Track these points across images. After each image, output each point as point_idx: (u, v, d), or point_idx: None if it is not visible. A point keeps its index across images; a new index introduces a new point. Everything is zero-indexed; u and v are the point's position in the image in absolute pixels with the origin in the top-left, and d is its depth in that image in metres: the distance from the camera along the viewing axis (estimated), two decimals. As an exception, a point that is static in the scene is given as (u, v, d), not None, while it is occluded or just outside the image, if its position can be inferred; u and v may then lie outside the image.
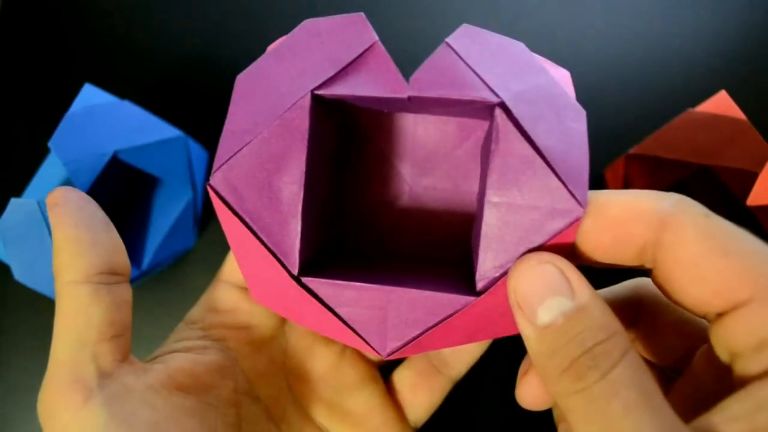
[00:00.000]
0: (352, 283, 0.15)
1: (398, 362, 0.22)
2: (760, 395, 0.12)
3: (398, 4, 0.34)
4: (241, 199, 0.14)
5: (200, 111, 0.34)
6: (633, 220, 0.13)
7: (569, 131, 0.14)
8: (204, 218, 0.33)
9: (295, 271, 0.14)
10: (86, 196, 0.17)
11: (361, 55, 0.15)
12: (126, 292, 0.17)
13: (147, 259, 0.28)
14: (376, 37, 0.15)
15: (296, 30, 0.15)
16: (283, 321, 0.20)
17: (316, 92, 0.14)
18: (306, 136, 0.14)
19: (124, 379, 0.15)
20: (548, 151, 0.14)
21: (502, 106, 0.14)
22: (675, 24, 0.33)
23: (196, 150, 0.31)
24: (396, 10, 0.34)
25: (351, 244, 0.19)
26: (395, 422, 0.20)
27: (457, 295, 0.14)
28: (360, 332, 0.15)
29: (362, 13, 0.15)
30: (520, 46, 0.15)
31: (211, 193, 0.15)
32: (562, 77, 0.15)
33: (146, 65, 0.34)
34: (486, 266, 0.14)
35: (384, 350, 0.15)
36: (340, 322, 0.15)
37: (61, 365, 0.15)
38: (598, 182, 0.32)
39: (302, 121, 0.14)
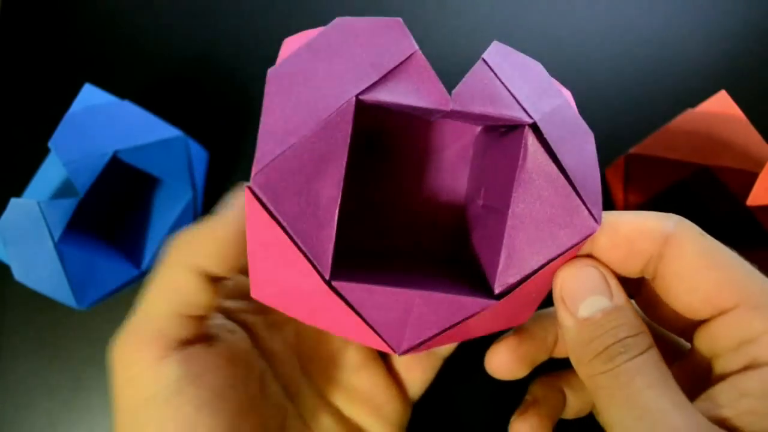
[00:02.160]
0: (382, 287, 0.15)
1: None
2: (741, 385, 0.14)
3: (399, 6, 0.34)
4: (279, 203, 0.14)
5: (200, 111, 0.34)
6: (642, 237, 0.15)
7: (584, 153, 0.16)
8: (204, 218, 0.33)
9: (328, 276, 0.15)
10: None
11: (403, 62, 0.15)
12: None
13: (147, 259, 0.28)
14: (416, 46, 0.15)
15: (330, 28, 0.15)
16: None
17: (361, 97, 0.14)
18: (348, 141, 0.14)
19: (198, 348, 0.17)
20: (570, 171, 0.15)
21: (534, 126, 0.15)
22: (675, 24, 0.33)
23: (196, 150, 0.31)
24: (395, 12, 0.34)
25: (351, 241, 0.20)
26: (396, 397, 0.22)
27: (478, 299, 0.15)
28: (380, 332, 0.15)
29: (400, 19, 0.15)
30: (539, 67, 0.16)
31: (248, 195, 0.14)
32: (568, 97, 0.16)
33: (146, 65, 0.34)
34: (505, 273, 0.15)
35: (399, 349, 0.15)
36: (357, 323, 0.15)
37: (151, 318, 0.17)
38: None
39: (346, 126, 0.14)
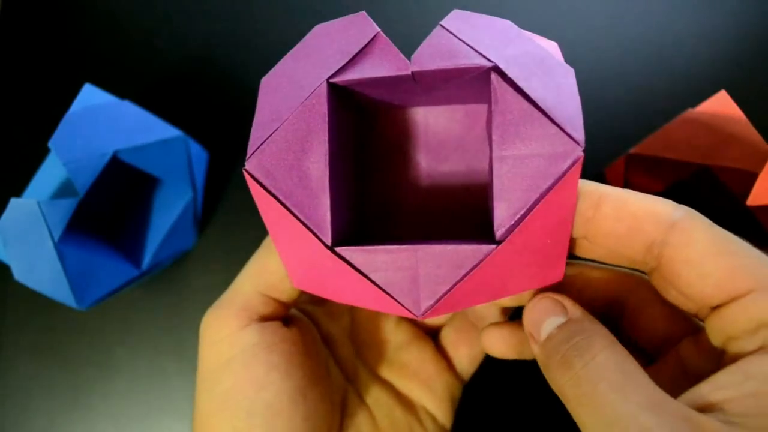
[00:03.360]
0: (382, 246, 0.16)
1: (443, 327, 0.25)
2: (749, 368, 0.14)
3: (398, 6, 0.34)
4: (275, 180, 0.16)
5: (200, 111, 0.34)
6: (648, 218, 0.15)
7: (560, 86, 0.16)
8: (204, 218, 0.33)
9: (329, 242, 0.16)
10: None
11: (366, 45, 0.16)
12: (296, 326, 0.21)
13: (147, 259, 0.28)
14: (378, 29, 0.16)
15: (309, 34, 0.17)
16: None
17: (331, 80, 0.16)
18: (326, 119, 0.16)
19: (275, 323, 0.19)
20: (543, 102, 0.15)
21: (496, 69, 0.16)
22: (675, 24, 0.33)
23: (196, 150, 0.31)
24: (396, 11, 0.34)
25: (375, 229, 0.21)
26: (445, 371, 0.24)
27: (479, 245, 0.15)
28: (394, 295, 0.16)
29: (364, 12, 0.16)
30: (507, 23, 0.17)
31: (248, 178, 0.16)
32: (549, 46, 0.17)
33: (146, 65, 0.34)
34: (502, 216, 0.15)
35: (419, 310, 0.16)
36: (375, 290, 0.16)
37: (240, 294, 0.19)
38: (598, 182, 0.32)
39: (321, 106, 0.16)
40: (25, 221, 0.25)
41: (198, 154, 0.31)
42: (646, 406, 0.13)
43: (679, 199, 0.32)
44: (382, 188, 0.21)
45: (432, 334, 0.25)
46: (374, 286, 0.16)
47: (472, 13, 0.17)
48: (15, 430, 0.31)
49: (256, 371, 0.18)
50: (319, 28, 0.17)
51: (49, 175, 0.29)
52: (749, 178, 0.24)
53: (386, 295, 0.16)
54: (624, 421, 0.13)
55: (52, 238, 0.25)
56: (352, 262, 0.16)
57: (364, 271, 0.16)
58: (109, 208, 0.31)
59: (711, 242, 0.15)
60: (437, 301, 0.16)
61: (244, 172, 0.16)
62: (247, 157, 0.16)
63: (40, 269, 0.25)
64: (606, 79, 0.33)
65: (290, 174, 0.16)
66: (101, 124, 0.26)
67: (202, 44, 0.34)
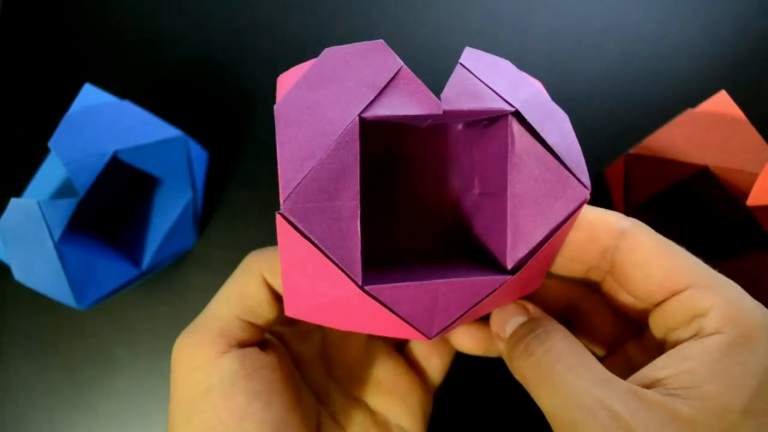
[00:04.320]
0: (410, 283, 0.16)
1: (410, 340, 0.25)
2: (685, 351, 0.15)
3: (396, 13, 0.34)
4: (309, 223, 0.16)
5: (200, 111, 0.34)
6: (602, 226, 0.18)
7: (563, 131, 0.17)
8: (204, 218, 0.33)
9: (361, 282, 0.16)
10: None
11: (392, 78, 0.16)
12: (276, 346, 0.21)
13: (147, 259, 0.28)
14: (401, 62, 0.16)
15: (321, 59, 0.17)
16: None
17: (362, 116, 0.16)
18: (358, 156, 0.16)
19: (253, 349, 0.19)
20: (555, 148, 0.17)
21: (516, 114, 0.17)
22: (675, 24, 0.33)
23: (196, 150, 0.31)
24: (394, 18, 0.34)
25: (371, 248, 0.21)
26: (418, 385, 0.24)
27: (496, 277, 0.17)
28: (413, 323, 0.17)
29: (382, 40, 0.17)
30: (508, 64, 0.18)
31: (280, 220, 0.16)
32: (539, 85, 0.18)
33: (146, 65, 0.34)
34: (515, 249, 0.17)
35: (431, 333, 0.17)
36: (391, 319, 0.17)
37: (216, 319, 0.19)
38: (598, 182, 0.32)
39: (354, 144, 0.16)
40: (25, 221, 0.25)
41: (198, 154, 0.31)
42: (598, 382, 0.15)
43: (679, 199, 0.32)
44: (385, 208, 0.22)
45: (398, 348, 0.25)
46: (392, 316, 0.16)
47: (480, 51, 0.18)
48: (15, 430, 0.31)
49: (237, 401, 0.17)
50: (331, 53, 0.17)
51: (49, 175, 0.29)
52: (749, 178, 0.24)
53: (401, 322, 0.17)
54: (579, 394, 0.15)
55: (52, 238, 0.25)
56: (381, 299, 0.16)
57: (390, 306, 0.16)
58: (109, 208, 0.31)
59: (654, 247, 0.17)
60: (449, 324, 0.17)
61: (278, 216, 0.16)
62: (282, 199, 0.15)
63: (40, 269, 0.25)
64: (606, 79, 0.33)
65: (323, 215, 0.16)
66: (101, 124, 0.26)
67: (202, 44, 0.34)
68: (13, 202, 0.25)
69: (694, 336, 0.16)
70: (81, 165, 0.25)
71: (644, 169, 0.28)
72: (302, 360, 0.22)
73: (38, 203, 0.24)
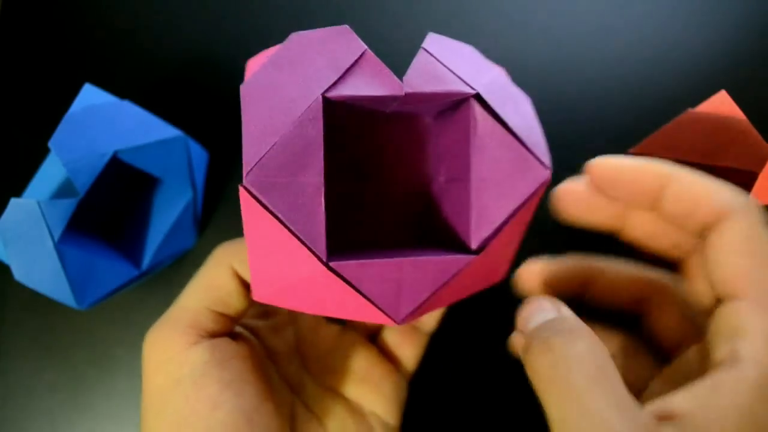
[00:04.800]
0: (374, 260, 0.16)
1: (382, 330, 0.25)
2: (716, 382, 0.14)
3: (377, 10, 0.34)
4: (272, 197, 0.16)
5: (200, 111, 0.34)
6: (706, 201, 0.16)
7: (524, 113, 0.18)
8: (204, 218, 0.33)
9: (325, 258, 0.16)
10: None
11: (356, 61, 0.16)
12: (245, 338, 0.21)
13: (147, 259, 0.28)
14: (365, 46, 0.17)
15: (286, 43, 0.17)
16: (292, 313, 0.24)
17: (326, 95, 0.16)
18: (321, 134, 0.16)
19: (224, 339, 0.19)
20: (516, 129, 0.17)
21: (477, 96, 0.17)
22: (675, 24, 0.33)
23: (196, 150, 0.31)
24: (375, 14, 0.34)
25: (343, 237, 0.21)
26: (392, 372, 0.24)
27: (460, 256, 0.17)
28: (378, 304, 0.17)
29: (347, 26, 0.17)
30: (471, 48, 0.18)
31: (243, 194, 0.16)
32: (501, 70, 0.19)
33: (146, 65, 0.34)
34: (479, 229, 0.17)
35: (398, 317, 0.17)
36: (357, 301, 0.16)
37: (186, 311, 0.19)
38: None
39: (317, 121, 0.16)
40: (25, 221, 0.25)
41: (198, 154, 0.31)
42: (614, 405, 0.13)
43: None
44: (355, 196, 0.22)
45: (371, 339, 0.25)
46: (358, 296, 0.16)
47: (443, 37, 0.18)
48: (15, 430, 0.31)
49: (208, 390, 0.17)
50: (297, 37, 0.17)
51: (49, 175, 0.29)
52: (749, 178, 0.24)
53: (367, 304, 0.16)
54: (591, 414, 0.13)
55: (52, 238, 0.25)
56: (345, 275, 0.16)
57: (354, 284, 0.16)
58: (109, 208, 0.31)
59: (742, 239, 0.15)
60: (416, 308, 0.17)
61: (241, 188, 0.16)
62: (244, 173, 0.16)
63: (40, 269, 0.25)
64: (606, 79, 0.33)
65: (287, 190, 0.16)
66: (101, 124, 0.26)
67: (202, 44, 0.34)
68: (13, 202, 0.24)
69: (726, 360, 0.14)
70: (81, 165, 0.25)
71: (644, 169, 0.28)
72: (276, 353, 0.22)
73: (38, 203, 0.24)
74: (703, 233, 0.16)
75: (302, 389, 0.22)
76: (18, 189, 0.30)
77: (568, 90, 0.33)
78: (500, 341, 0.22)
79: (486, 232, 0.17)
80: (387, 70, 0.16)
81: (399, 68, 0.17)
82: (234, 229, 0.33)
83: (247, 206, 0.16)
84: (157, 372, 0.18)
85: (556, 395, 0.14)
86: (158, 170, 0.27)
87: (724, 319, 0.15)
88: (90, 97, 0.27)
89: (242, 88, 0.17)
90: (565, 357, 0.14)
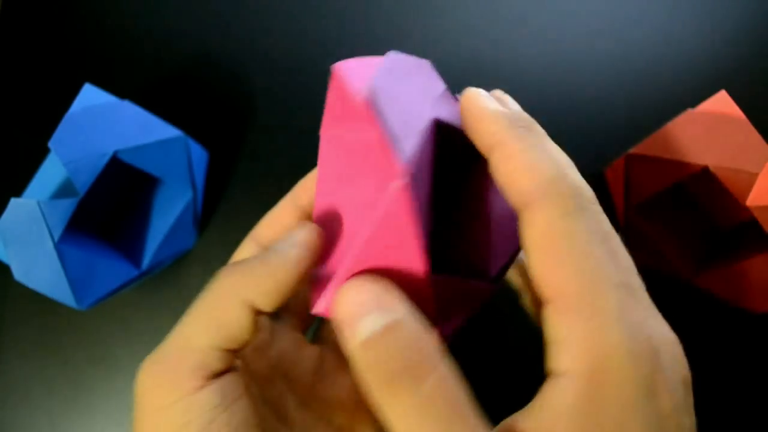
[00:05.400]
0: (447, 277, 0.17)
1: None
2: (546, 399, 0.13)
3: (396, 10, 0.34)
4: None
5: (200, 111, 0.34)
6: (522, 179, 0.14)
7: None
8: (204, 218, 0.33)
9: (428, 268, 0.17)
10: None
11: (441, 94, 0.18)
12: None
13: (147, 259, 0.28)
14: (444, 85, 0.18)
15: (387, 60, 0.18)
16: (273, 331, 0.22)
17: (436, 117, 0.17)
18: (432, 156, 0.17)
19: (229, 377, 0.17)
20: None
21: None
22: (675, 24, 0.33)
23: (196, 150, 0.31)
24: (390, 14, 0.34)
25: None
26: None
27: (484, 282, 0.18)
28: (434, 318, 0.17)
29: (428, 61, 0.19)
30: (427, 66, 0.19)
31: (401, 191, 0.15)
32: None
33: (146, 65, 0.34)
34: (497, 258, 0.19)
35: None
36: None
37: (192, 351, 0.16)
38: (598, 182, 0.32)
39: (431, 139, 0.17)
40: (25, 221, 0.25)
41: (198, 154, 0.31)
42: None
43: (679, 199, 0.32)
44: None
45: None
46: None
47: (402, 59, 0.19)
48: (15, 430, 0.31)
49: None
50: (395, 57, 0.18)
51: (49, 175, 0.29)
52: (749, 178, 0.24)
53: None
54: None
55: (52, 238, 0.25)
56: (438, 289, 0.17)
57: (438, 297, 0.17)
58: (109, 208, 0.31)
59: (549, 234, 0.14)
60: (456, 327, 0.18)
61: (398, 184, 0.14)
62: (400, 161, 0.15)
63: (40, 269, 0.25)
64: (606, 79, 0.33)
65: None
66: (101, 124, 0.26)
67: (202, 44, 0.34)
68: (13, 202, 0.24)
69: (553, 375, 0.13)
70: (81, 165, 0.25)
71: (644, 169, 0.28)
72: (260, 377, 0.21)
73: (38, 203, 0.24)
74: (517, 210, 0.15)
75: (286, 416, 0.21)
76: (18, 189, 0.30)
77: (568, 90, 0.33)
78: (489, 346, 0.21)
79: (502, 261, 0.18)
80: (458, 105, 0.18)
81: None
82: (234, 229, 0.33)
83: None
84: (158, 415, 0.16)
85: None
86: (158, 170, 0.27)
87: (546, 325, 0.14)
88: (90, 97, 0.27)
89: (375, 82, 0.17)
90: (415, 403, 0.13)
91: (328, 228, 0.17)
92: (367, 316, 0.14)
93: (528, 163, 0.14)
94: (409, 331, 0.14)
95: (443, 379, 0.13)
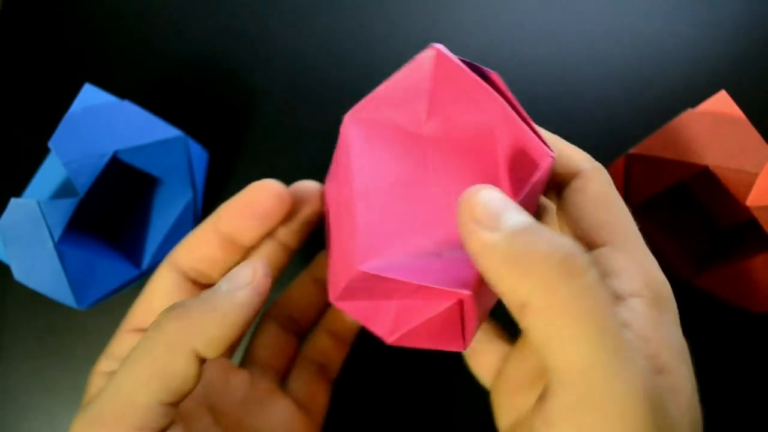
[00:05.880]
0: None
1: (290, 376, 0.24)
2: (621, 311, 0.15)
3: (403, 11, 0.34)
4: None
5: (200, 111, 0.34)
6: (562, 162, 0.17)
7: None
8: (204, 218, 0.33)
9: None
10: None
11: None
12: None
13: (147, 259, 0.28)
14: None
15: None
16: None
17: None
18: None
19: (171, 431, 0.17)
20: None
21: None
22: (675, 24, 0.33)
23: (196, 150, 0.31)
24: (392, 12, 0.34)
25: None
26: (306, 422, 0.22)
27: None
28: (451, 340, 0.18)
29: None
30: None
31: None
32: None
33: (146, 65, 0.34)
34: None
35: (465, 345, 0.18)
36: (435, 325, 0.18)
37: (134, 408, 0.15)
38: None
39: None
40: (25, 221, 0.25)
41: (198, 154, 0.31)
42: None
43: (679, 199, 0.32)
44: None
45: (284, 384, 0.23)
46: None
47: None
48: (15, 430, 0.31)
49: None
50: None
51: (49, 175, 0.29)
52: (749, 178, 0.24)
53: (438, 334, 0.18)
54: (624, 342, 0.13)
55: (52, 238, 0.25)
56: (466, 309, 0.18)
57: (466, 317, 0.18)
58: (109, 208, 0.31)
59: (597, 196, 0.16)
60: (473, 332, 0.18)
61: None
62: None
63: (40, 269, 0.25)
64: (606, 79, 0.33)
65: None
66: (101, 124, 0.26)
67: (202, 44, 0.34)
68: (13, 202, 0.24)
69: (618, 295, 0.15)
70: (81, 165, 0.25)
71: (644, 169, 0.28)
72: (184, 413, 0.19)
73: (38, 203, 0.24)
74: (560, 188, 0.17)
75: None
76: (18, 189, 0.30)
77: (568, 90, 0.33)
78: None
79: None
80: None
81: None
82: (234, 229, 0.33)
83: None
84: None
85: (582, 323, 0.12)
86: (158, 170, 0.27)
87: (600, 261, 0.15)
88: (90, 97, 0.27)
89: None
90: (590, 283, 0.13)
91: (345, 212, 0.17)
92: (513, 211, 0.13)
93: (566, 146, 0.18)
94: (555, 231, 0.13)
95: (597, 277, 0.13)
